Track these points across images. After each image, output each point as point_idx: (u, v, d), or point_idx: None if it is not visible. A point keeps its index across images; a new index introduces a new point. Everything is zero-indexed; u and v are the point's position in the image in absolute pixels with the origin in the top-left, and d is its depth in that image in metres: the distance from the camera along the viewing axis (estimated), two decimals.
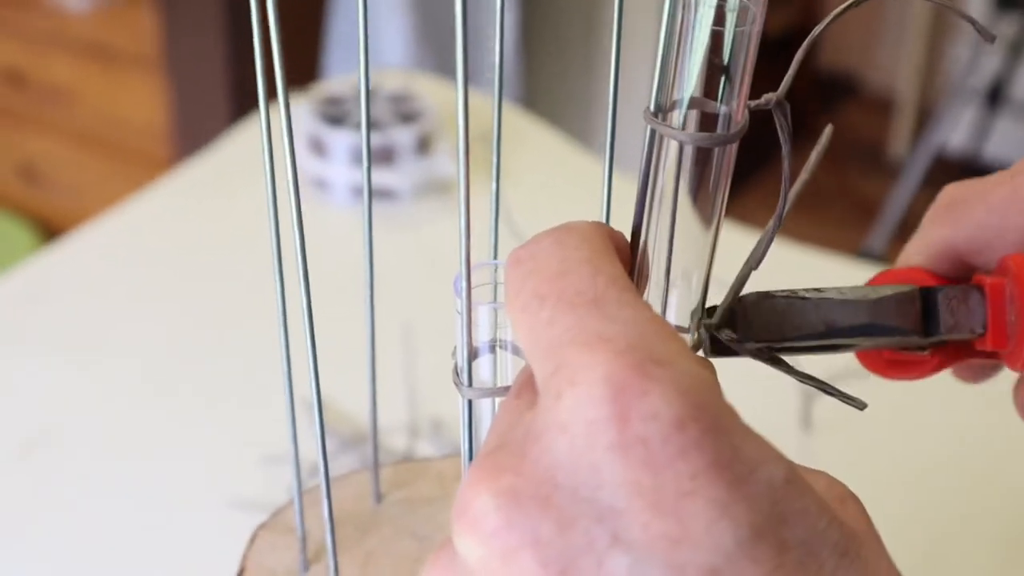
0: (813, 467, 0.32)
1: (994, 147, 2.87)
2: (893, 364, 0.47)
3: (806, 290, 0.43)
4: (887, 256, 2.51)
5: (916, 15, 3.28)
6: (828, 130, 0.38)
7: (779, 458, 0.29)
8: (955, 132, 2.73)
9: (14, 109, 2.43)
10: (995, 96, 2.61)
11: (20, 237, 2.42)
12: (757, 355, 0.41)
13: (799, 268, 1.17)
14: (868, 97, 3.53)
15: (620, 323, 0.29)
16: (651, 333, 0.29)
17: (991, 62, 2.58)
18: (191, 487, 0.91)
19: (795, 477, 0.29)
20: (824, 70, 3.43)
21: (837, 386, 0.41)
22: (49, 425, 0.96)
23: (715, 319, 0.40)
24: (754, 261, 0.39)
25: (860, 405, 0.40)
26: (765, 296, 0.42)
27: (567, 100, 2.52)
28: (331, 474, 0.44)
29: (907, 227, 2.72)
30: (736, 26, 0.32)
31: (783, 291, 0.42)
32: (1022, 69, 2.60)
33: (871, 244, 2.58)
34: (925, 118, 3.04)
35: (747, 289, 0.40)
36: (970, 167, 2.76)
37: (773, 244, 0.38)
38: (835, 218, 2.93)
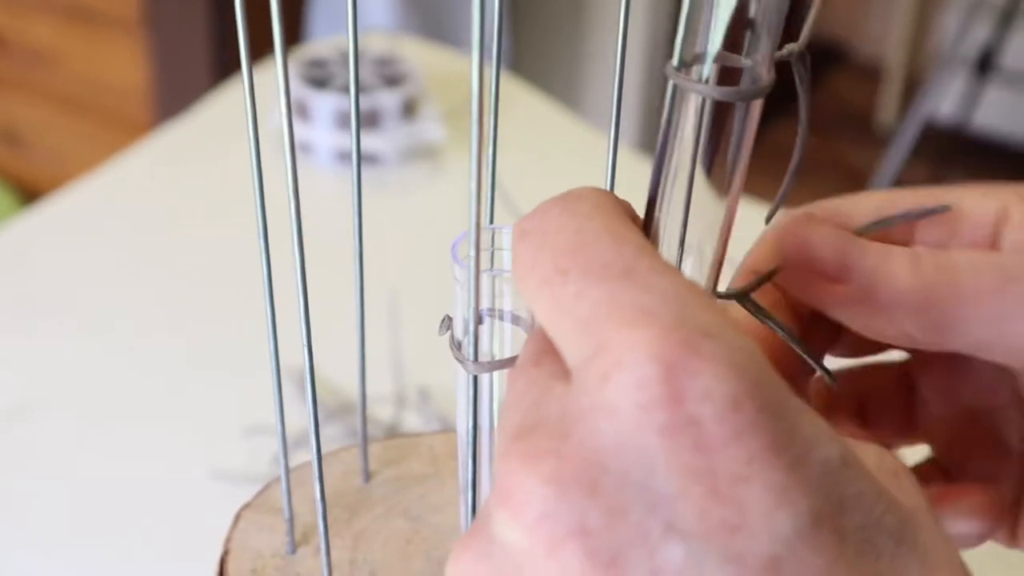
0: None
1: (983, 116, 2.86)
2: None
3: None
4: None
5: None
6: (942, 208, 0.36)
7: (834, 437, 0.27)
8: (944, 101, 2.71)
9: None
10: (984, 65, 2.60)
11: (1, 201, 2.39)
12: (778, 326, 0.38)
13: None
14: (857, 66, 3.51)
15: (658, 294, 0.27)
16: (692, 304, 0.27)
17: (980, 31, 2.56)
18: (175, 458, 0.89)
19: (851, 458, 0.27)
20: (813, 39, 3.41)
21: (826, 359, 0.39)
22: (30, 393, 0.94)
23: (737, 289, 0.38)
24: (772, 212, 0.37)
25: (831, 381, 0.39)
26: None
27: (555, 65, 2.50)
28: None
29: None
30: None
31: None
32: (1012, 38, 2.59)
33: None
34: (914, 87, 3.02)
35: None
36: (959, 136, 2.75)
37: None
38: (824, 187, 2.92)
